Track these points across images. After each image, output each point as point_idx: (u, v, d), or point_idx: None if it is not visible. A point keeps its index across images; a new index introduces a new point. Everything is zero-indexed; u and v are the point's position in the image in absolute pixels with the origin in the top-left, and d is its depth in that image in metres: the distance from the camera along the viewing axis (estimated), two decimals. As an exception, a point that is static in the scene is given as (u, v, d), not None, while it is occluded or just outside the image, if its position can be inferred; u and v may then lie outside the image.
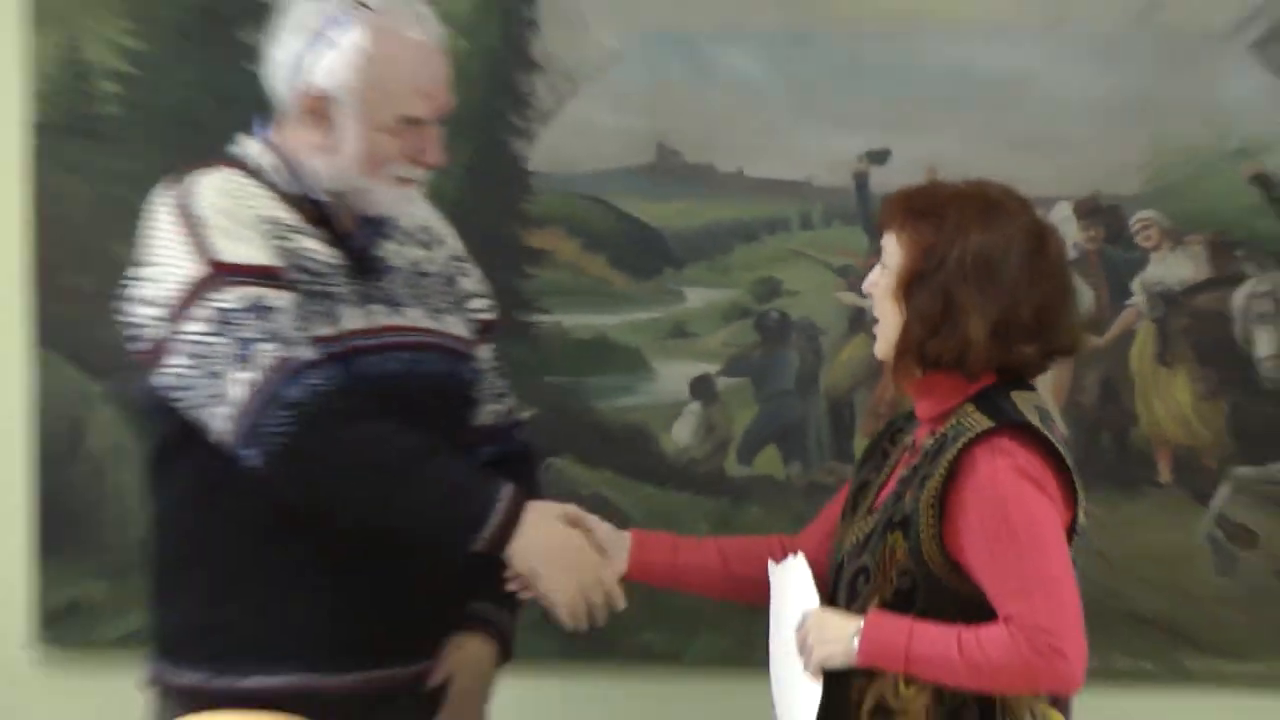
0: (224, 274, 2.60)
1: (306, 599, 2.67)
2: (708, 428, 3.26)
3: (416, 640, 2.78)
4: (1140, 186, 3.15)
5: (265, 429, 2.52)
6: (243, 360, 2.54)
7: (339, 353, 2.63)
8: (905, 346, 2.44)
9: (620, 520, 2.64)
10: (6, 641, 3.32)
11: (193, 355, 2.59)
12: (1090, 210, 3.19)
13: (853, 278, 3.13)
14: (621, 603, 2.57)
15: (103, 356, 3.20)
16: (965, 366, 2.38)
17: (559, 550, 2.52)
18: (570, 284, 3.39)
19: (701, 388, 3.25)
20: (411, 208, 2.81)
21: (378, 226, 2.75)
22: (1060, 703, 2.52)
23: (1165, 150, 3.14)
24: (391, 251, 2.76)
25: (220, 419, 2.51)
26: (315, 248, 2.66)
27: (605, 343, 3.35)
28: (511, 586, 2.58)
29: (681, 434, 3.28)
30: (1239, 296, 3.18)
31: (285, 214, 2.67)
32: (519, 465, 2.83)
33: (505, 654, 2.86)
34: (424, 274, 2.81)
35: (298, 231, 2.67)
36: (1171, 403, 3.21)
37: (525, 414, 3.01)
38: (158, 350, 2.63)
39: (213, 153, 2.79)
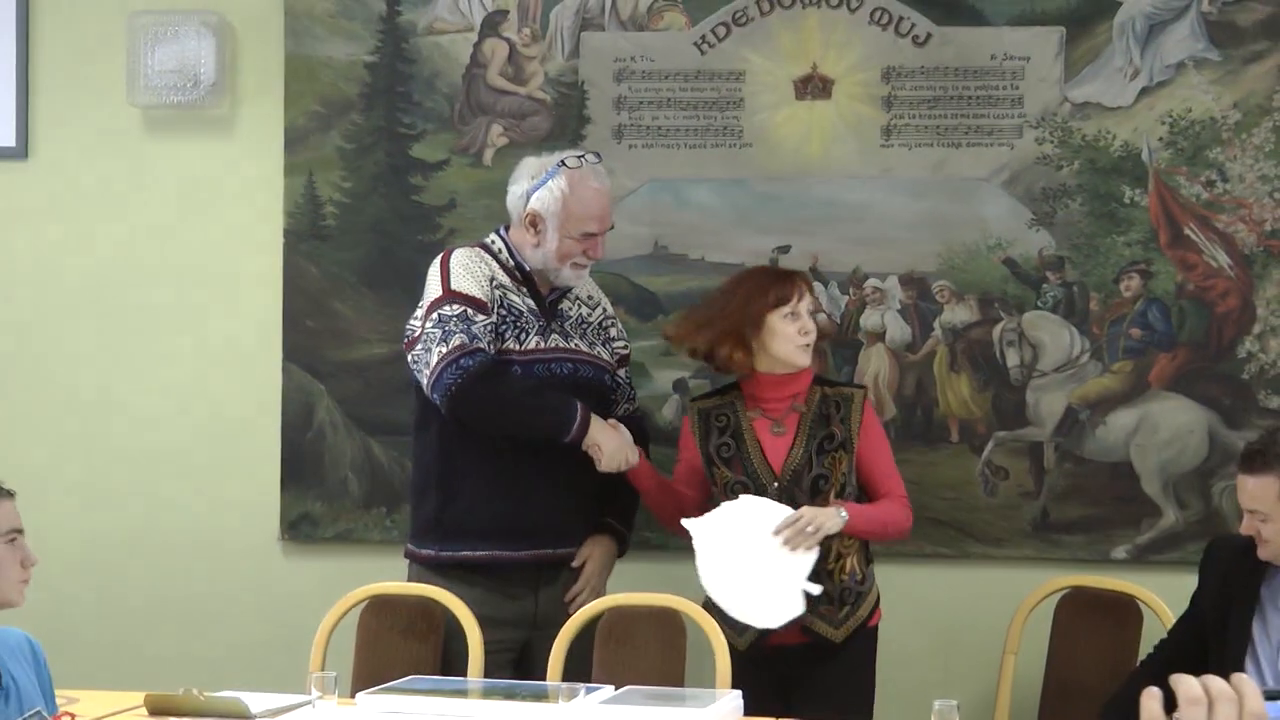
0: (451, 296, 3.54)
1: (498, 504, 3.58)
2: (681, 408, 4.03)
3: (568, 533, 3.68)
4: (937, 266, 4.02)
5: (445, 381, 3.50)
6: (443, 342, 3.50)
7: (521, 360, 3.60)
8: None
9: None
10: (266, 537, 4.26)
11: (422, 342, 3.54)
12: (908, 281, 4.05)
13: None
14: (633, 464, 3.55)
15: (323, 366, 4.21)
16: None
17: (608, 435, 3.56)
18: (603, 325, 4.13)
19: (680, 385, 4.12)
20: (583, 284, 3.70)
21: (564, 292, 3.68)
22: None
23: (951, 245, 4.01)
24: (568, 307, 3.70)
25: (424, 376, 3.52)
26: (516, 299, 3.61)
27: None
28: (589, 451, 3.50)
29: (668, 413, 4.10)
30: (996, 330, 4.02)
31: (503, 277, 3.60)
32: (639, 435, 3.70)
33: (622, 549, 3.78)
34: (586, 322, 3.72)
35: (508, 289, 3.58)
36: (958, 393, 4.06)
37: (639, 409, 3.85)
38: (412, 342, 3.58)
39: (392, 251, 3.94)
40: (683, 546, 3.63)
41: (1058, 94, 4.01)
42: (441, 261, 3.64)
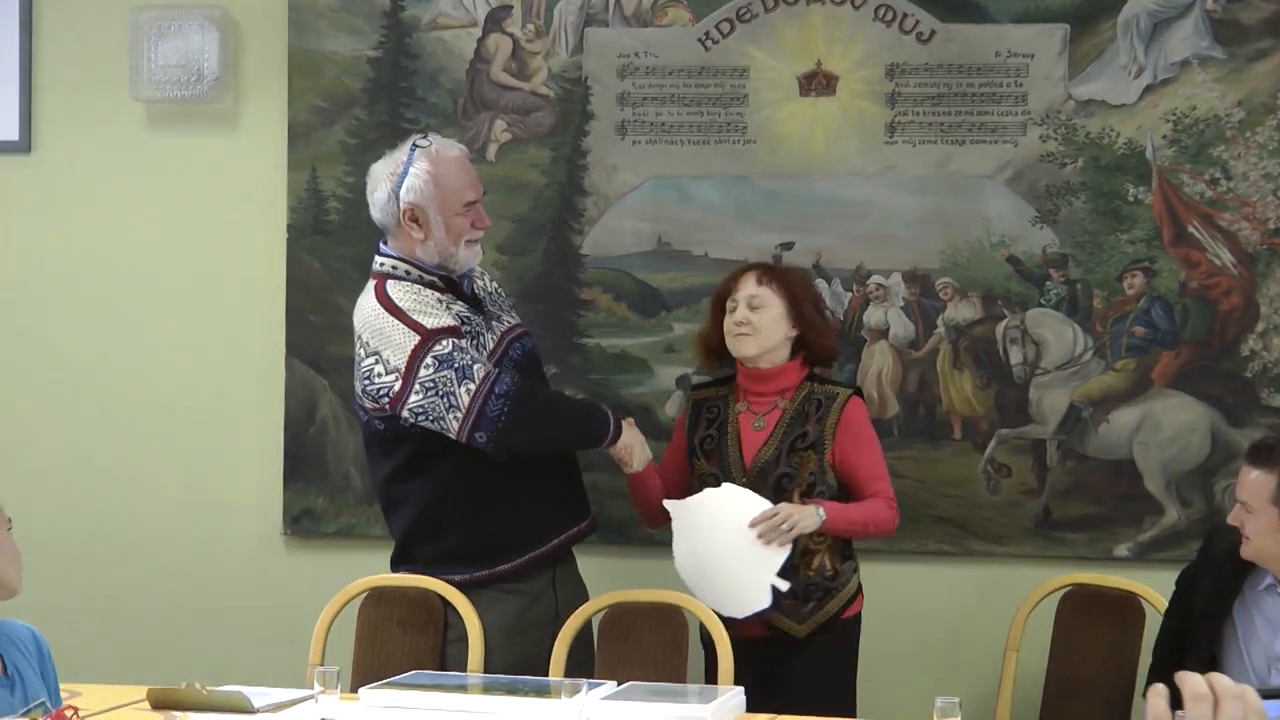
0: (433, 334, 3.43)
1: (514, 521, 3.59)
2: (684, 404, 3.90)
3: (578, 509, 3.71)
4: (941, 263, 4.02)
5: (490, 415, 3.41)
6: (464, 380, 3.40)
7: (498, 358, 3.56)
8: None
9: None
10: (269, 532, 4.28)
11: (427, 389, 3.42)
12: (911, 278, 4.04)
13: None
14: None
15: (326, 362, 4.22)
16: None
17: (636, 439, 3.59)
18: (606, 321, 4.16)
19: (682, 382, 4.12)
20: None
21: (467, 276, 3.59)
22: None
23: (955, 243, 4.02)
24: (479, 288, 3.63)
25: (455, 420, 3.41)
26: (461, 305, 3.53)
27: (626, 356, 4.16)
28: (619, 455, 3.54)
29: (671, 409, 4.10)
30: (999, 328, 4.02)
31: (436, 291, 3.48)
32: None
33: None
34: (494, 295, 3.70)
35: (452, 299, 3.51)
36: (961, 391, 4.05)
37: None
38: (397, 398, 3.42)
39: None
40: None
41: (1062, 91, 4.01)
42: (384, 306, 3.50)
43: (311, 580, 4.18)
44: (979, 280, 4.06)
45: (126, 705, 3.09)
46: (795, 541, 3.47)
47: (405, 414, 3.44)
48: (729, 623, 3.47)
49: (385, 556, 4.00)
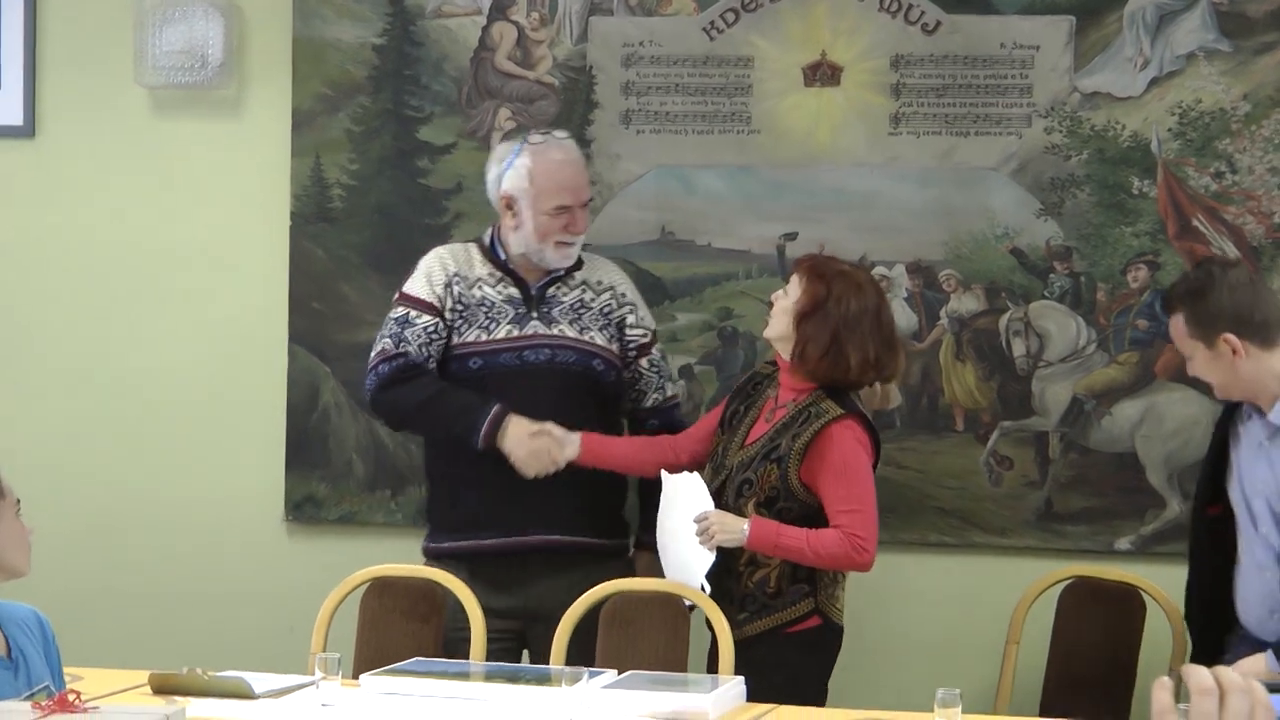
0: (401, 299, 3.68)
1: (475, 495, 3.67)
2: (688, 394, 4.10)
3: (560, 523, 3.68)
4: (945, 255, 4.03)
5: (366, 386, 3.68)
6: (375, 346, 3.65)
7: (484, 351, 3.66)
8: (800, 356, 3.46)
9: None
10: (270, 518, 4.29)
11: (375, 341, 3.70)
12: (915, 269, 4.05)
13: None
14: (562, 465, 3.54)
15: (329, 349, 4.24)
16: (835, 381, 3.46)
17: (520, 440, 3.58)
18: (609, 310, 4.17)
19: (686, 372, 4.14)
20: (594, 268, 3.73)
21: (558, 278, 3.71)
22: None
23: (958, 234, 4.02)
24: (563, 293, 3.73)
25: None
26: (491, 291, 3.65)
27: (630, 345, 4.17)
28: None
29: None
30: (1002, 320, 4.03)
31: (481, 270, 3.66)
32: (668, 426, 3.74)
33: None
34: (585, 307, 3.73)
35: (482, 282, 3.64)
36: (963, 383, 4.06)
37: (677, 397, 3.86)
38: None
39: (398, 234, 4.00)
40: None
41: (1067, 84, 4.01)
42: (423, 260, 3.77)
43: (313, 567, 4.19)
44: (982, 272, 4.07)
45: (128, 689, 3.10)
46: (740, 550, 3.44)
47: None
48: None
49: (387, 544, 4.08)
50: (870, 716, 3.16)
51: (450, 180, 4.21)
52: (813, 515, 3.45)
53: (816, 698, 3.43)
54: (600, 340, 3.74)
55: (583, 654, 3.51)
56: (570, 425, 3.64)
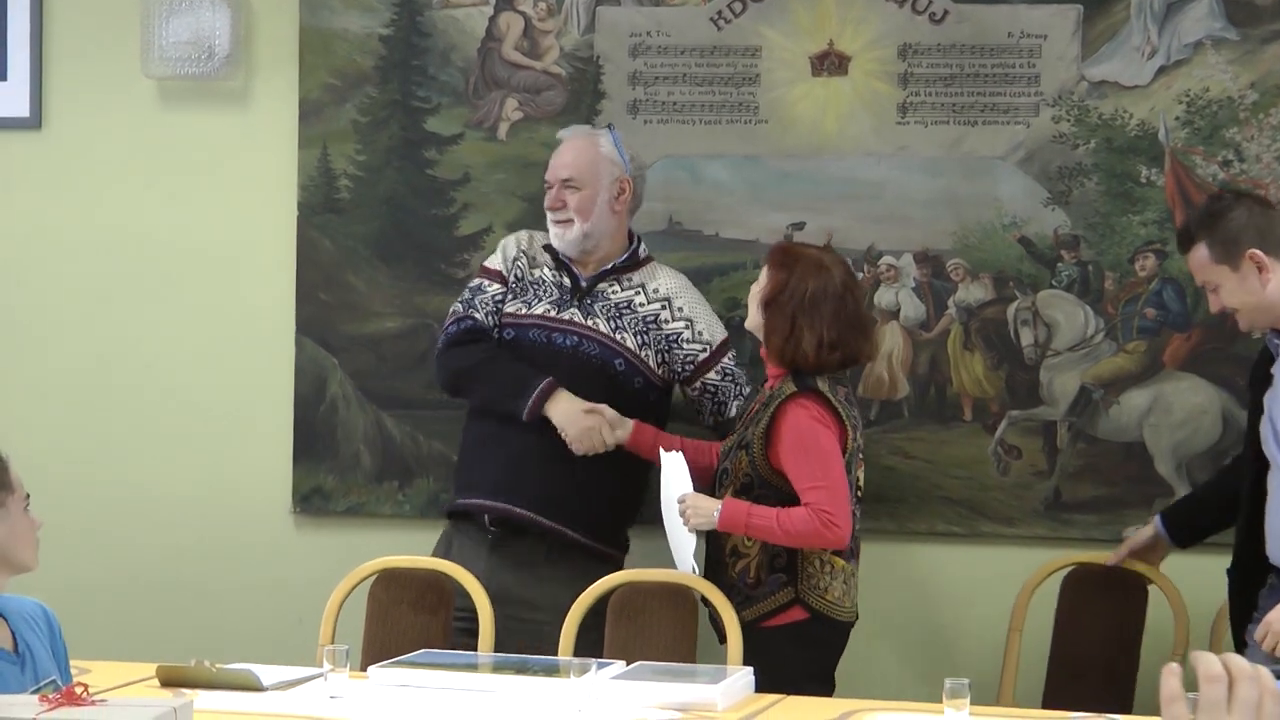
0: (481, 271, 3.89)
1: (489, 459, 3.78)
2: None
3: (569, 514, 3.75)
4: (952, 244, 4.04)
5: (438, 346, 3.77)
6: (452, 310, 3.80)
7: (518, 323, 3.77)
8: (766, 343, 3.51)
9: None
10: (278, 510, 4.30)
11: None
12: (923, 259, 4.06)
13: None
14: (611, 446, 3.64)
15: (336, 340, 4.24)
16: (798, 365, 3.48)
17: (572, 417, 3.66)
18: (616, 301, 4.19)
19: None
20: (657, 276, 3.80)
21: (615, 277, 3.79)
22: (854, 555, 3.55)
23: (966, 224, 4.03)
24: (613, 290, 3.80)
25: None
26: (544, 272, 3.79)
27: (637, 335, 4.18)
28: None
29: (678, 388, 4.01)
30: (1010, 309, 4.04)
31: (545, 255, 3.85)
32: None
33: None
34: (630, 309, 3.80)
35: (543, 264, 3.82)
36: (971, 372, 4.08)
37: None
38: None
39: (406, 224, 4.04)
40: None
41: (1075, 72, 4.01)
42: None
43: (321, 559, 4.21)
44: (990, 261, 4.07)
45: (136, 682, 3.11)
46: (725, 540, 3.45)
47: None
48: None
49: (394, 535, 4.07)
50: (878, 706, 3.16)
51: (457, 171, 4.22)
52: (788, 499, 3.44)
53: (812, 693, 3.38)
54: (631, 344, 3.78)
55: (591, 645, 3.54)
56: None
